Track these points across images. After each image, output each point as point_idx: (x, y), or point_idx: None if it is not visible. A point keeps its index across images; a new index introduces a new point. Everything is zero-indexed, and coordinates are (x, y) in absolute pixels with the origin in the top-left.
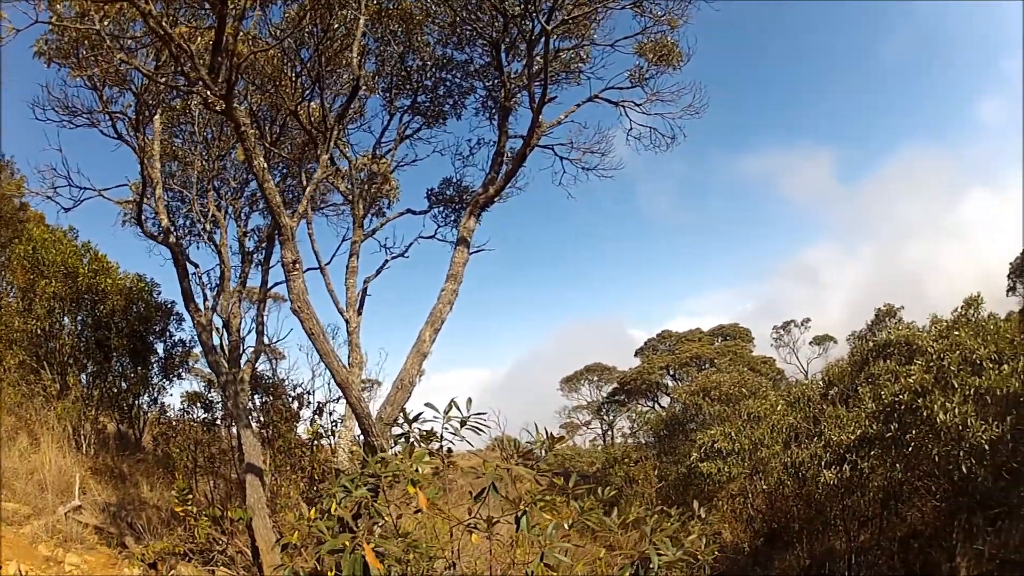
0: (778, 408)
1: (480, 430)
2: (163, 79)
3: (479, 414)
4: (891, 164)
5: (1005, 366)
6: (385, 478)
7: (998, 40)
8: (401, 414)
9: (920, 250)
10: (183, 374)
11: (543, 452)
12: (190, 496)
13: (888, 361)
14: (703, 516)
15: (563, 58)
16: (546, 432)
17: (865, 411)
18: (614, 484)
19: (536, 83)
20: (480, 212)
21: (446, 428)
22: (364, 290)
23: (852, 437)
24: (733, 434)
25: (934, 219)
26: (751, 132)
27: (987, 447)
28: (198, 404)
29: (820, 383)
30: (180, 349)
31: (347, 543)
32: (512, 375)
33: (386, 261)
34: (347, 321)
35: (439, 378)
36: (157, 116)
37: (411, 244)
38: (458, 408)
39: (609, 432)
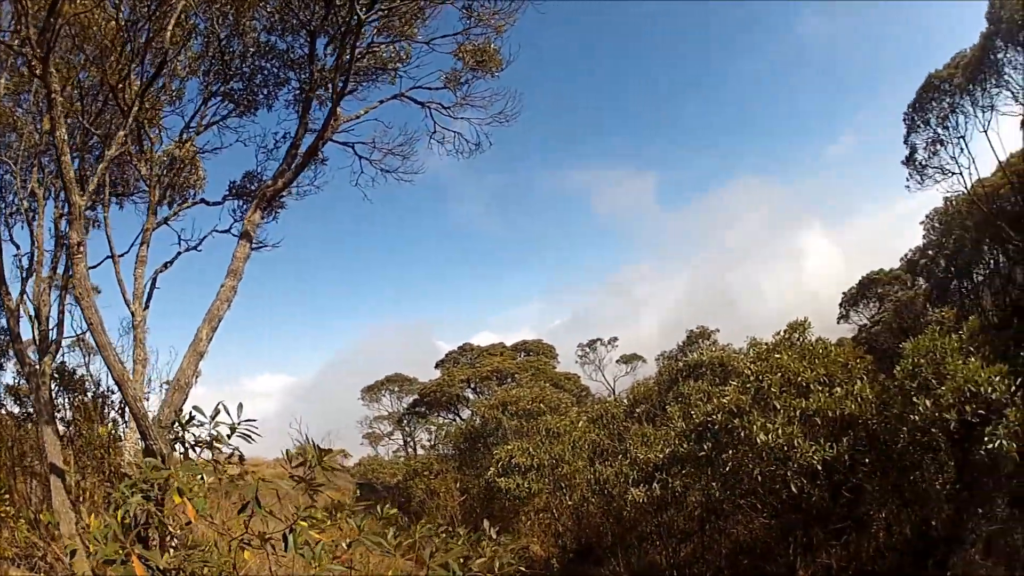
0: (579, 424)
1: (251, 438)
2: None
3: (249, 420)
4: (720, 191)
5: (838, 388)
6: (159, 485)
7: (855, 86)
8: (176, 417)
9: (742, 276)
10: (4, 364)
11: (314, 465)
12: (7, 496)
13: (700, 381)
14: (494, 536)
15: (381, 55)
16: (313, 445)
17: (675, 430)
18: (416, 497)
19: (340, 74)
20: (267, 205)
21: (213, 433)
22: (153, 282)
23: (661, 456)
24: (532, 450)
25: (762, 247)
26: (576, 146)
27: (820, 467)
28: (12, 397)
29: (625, 401)
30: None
31: (118, 552)
32: (320, 381)
33: (179, 253)
34: (132, 314)
35: (249, 382)
36: None
37: (205, 237)
38: (228, 413)
39: (411, 443)
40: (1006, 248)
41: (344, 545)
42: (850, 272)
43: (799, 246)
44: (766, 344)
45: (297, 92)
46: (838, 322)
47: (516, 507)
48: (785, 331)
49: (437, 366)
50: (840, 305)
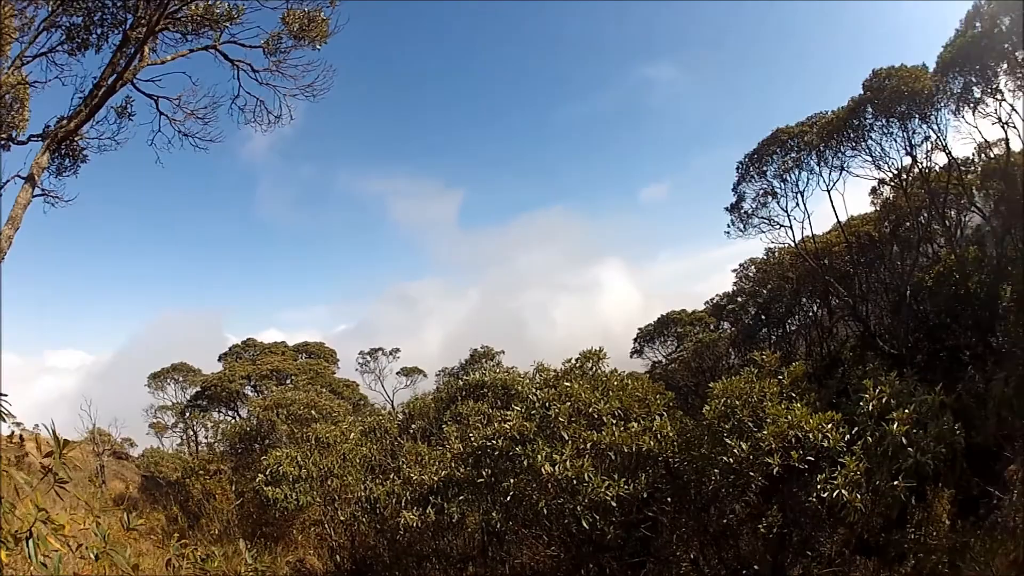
0: (351, 436)
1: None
2: None
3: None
4: (525, 217)
5: (635, 424)
6: None
7: (684, 135)
8: None
9: (534, 302)
10: None
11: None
12: None
13: (481, 402)
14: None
15: (214, 9)
16: (54, 435)
17: (451, 451)
18: (194, 496)
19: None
20: (58, 147)
21: None
22: None
23: (436, 478)
24: (299, 459)
25: (559, 276)
26: (385, 152)
27: (614, 503)
28: None
29: (400, 415)
30: None
31: None
32: (117, 361)
33: None
34: None
35: (52, 355)
36: None
37: (7, 182)
38: None
39: (193, 438)
40: (829, 302)
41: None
42: (647, 311)
43: (597, 280)
44: (555, 371)
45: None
46: (631, 356)
47: (291, 516)
48: (578, 359)
49: (220, 359)
50: (635, 340)
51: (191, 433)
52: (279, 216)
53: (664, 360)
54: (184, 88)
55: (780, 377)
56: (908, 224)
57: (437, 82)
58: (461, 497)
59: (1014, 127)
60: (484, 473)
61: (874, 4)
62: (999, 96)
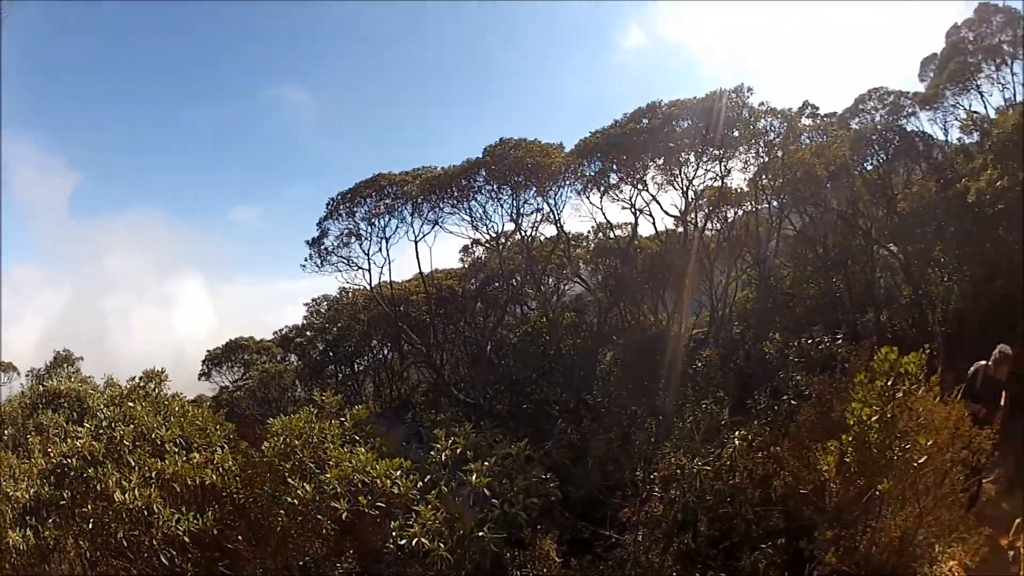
0: None
1: None
2: None
3: None
4: (124, 216)
5: (196, 454)
6: None
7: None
8: None
9: (119, 306)
10: None
11: None
12: None
13: (58, 414)
14: None
15: None
16: None
17: (36, 467)
18: None
19: None
20: None
21: None
22: None
23: (27, 496)
24: None
25: (144, 283)
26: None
27: (187, 539)
28: None
29: None
30: None
31: None
32: None
33: None
34: None
35: None
36: None
37: None
38: None
39: None
40: (401, 347)
41: None
42: (221, 333)
43: (177, 293)
44: (121, 388)
45: None
46: (199, 378)
47: None
48: (141, 378)
49: None
50: (203, 362)
51: None
52: None
53: (231, 386)
54: None
55: (343, 419)
56: (498, 284)
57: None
58: (50, 520)
59: (649, 215)
60: (65, 495)
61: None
62: (641, 186)
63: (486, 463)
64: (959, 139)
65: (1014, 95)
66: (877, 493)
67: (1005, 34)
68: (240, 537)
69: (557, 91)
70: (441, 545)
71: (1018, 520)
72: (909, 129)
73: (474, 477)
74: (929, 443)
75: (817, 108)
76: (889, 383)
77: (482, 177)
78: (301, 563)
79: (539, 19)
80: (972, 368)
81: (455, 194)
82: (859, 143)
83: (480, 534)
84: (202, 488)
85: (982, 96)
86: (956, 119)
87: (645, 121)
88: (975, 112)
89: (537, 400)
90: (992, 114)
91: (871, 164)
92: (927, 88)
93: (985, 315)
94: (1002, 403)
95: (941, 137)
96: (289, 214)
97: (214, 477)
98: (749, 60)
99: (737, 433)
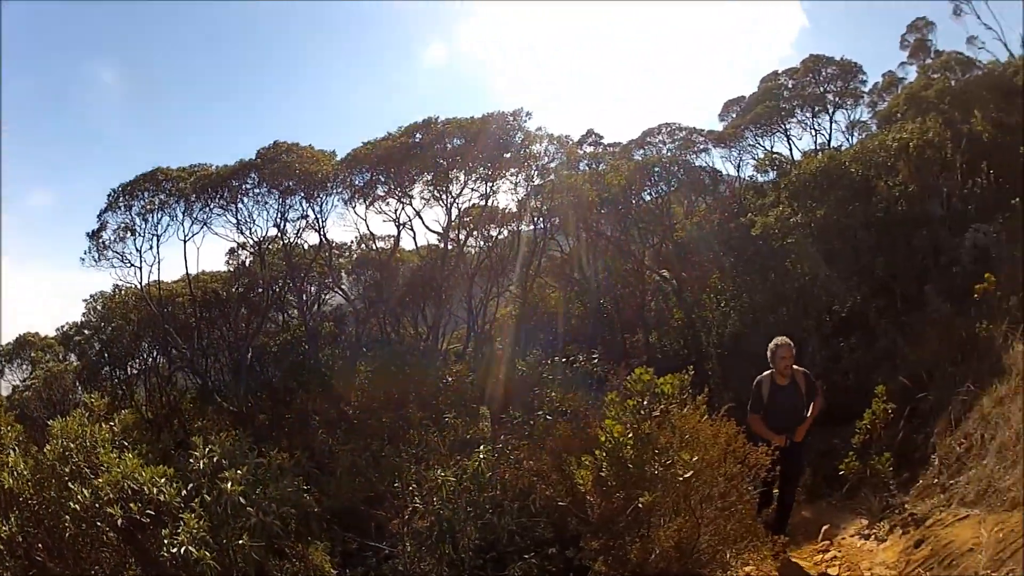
0: None
1: None
2: None
3: None
4: None
5: None
6: None
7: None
8: None
9: None
10: None
11: None
12: None
13: None
14: None
15: None
16: None
17: None
18: None
19: None
20: None
21: None
22: None
23: None
24: None
25: None
26: None
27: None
28: None
29: None
30: None
31: None
32: None
33: None
34: None
35: None
36: None
37: None
38: None
39: None
40: (168, 351)
41: None
42: (14, 327)
43: None
44: None
45: None
46: None
47: None
48: None
49: None
50: None
51: None
52: None
53: (20, 386)
54: None
55: (112, 423)
56: (260, 290)
57: None
58: None
59: (410, 229)
60: None
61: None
62: (407, 199)
63: (239, 472)
64: (751, 176)
65: (828, 141)
66: (640, 505)
67: (834, 84)
68: (40, 545)
69: (354, 99)
70: (207, 553)
71: (826, 526)
72: (698, 164)
73: (229, 485)
74: (694, 459)
75: (601, 137)
76: (645, 402)
77: (252, 180)
78: (93, 572)
79: (348, 23)
80: (756, 379)
81: (225, 195)
82: (639, 173)
83: (241, 542)
84: (3, 493)
85: (789, 140)
86: (753, 158)
87: (419, 136)
88: (777, 153)
89: (298, 410)
90: (798, 156)
91: (650, 194)
92: (725, 127)
93: (767, 339)
94: (808, 414)
95: (734, 173)
96: (92, 199)
97: (10, 481)
98: (555, 91)
99: (485, 447)
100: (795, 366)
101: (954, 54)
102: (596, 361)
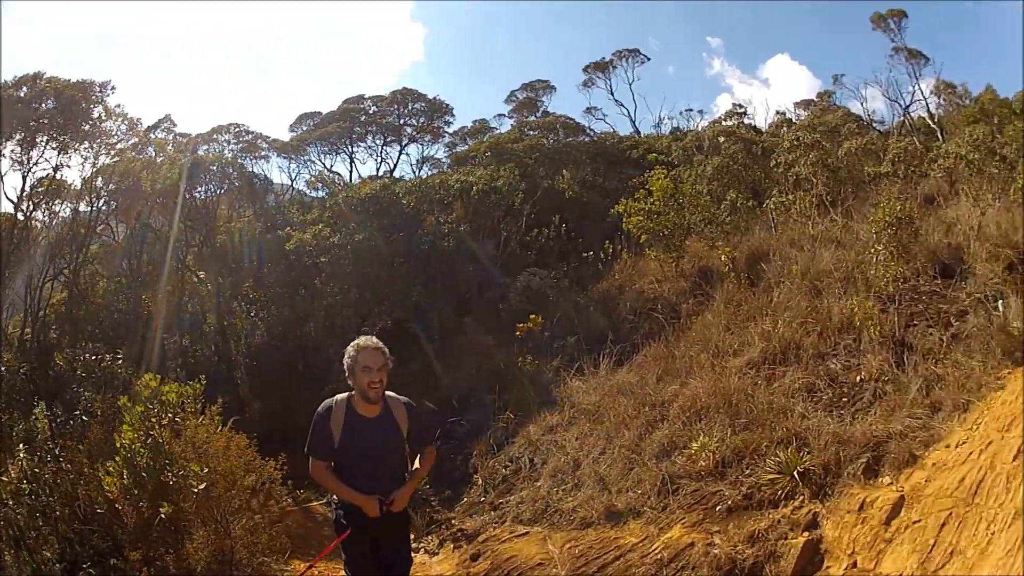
0: None
1: None
2: None
3: None
4: None
5: None
6: None
7: None
8: None
9: None
10: None
11: None
12: None
13: None
14: None
15: None
16: None
17: None
18: None
19: None
20: None
21: None
22: None
23: None
24: None
25: None
26: None
27: None
28: None
29: None
30: None
31: None
32: None
33: None
34: None
35: None
36: None
37: None
38: None
39: None
40: None
41: None
42: None
43: None
44: None
45: None
46: None
47: None
48: None
49: None
50: None
51: None
52: None
53: None
54: None
55: None
56: None
57: None
58: None
59: None
60: None
61: None
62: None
63: None
64: (301, 191)
65: (392, 171)
66: (162, 516)
67: (417, 120)
68: None
69: None
70: None
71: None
72: (254, 170)
73: None
74: (206, 471)
75: (176, 125)
76: (155, 409)
77: None
78: None
79: None
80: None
81: None
82: (195, 169)
83: None
84: None
85: (352, 163)
86: (309, 172)
87: (24, 90)
88: (336, 173)
89: None
90: (354, 180)
91: (201, 193)
92: (292, 138)
93: (294, 353)
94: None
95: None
96: None
97: None
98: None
99: (24, 447)
100: (391, 392)
101: (563, 118)
102: (120, 362)
